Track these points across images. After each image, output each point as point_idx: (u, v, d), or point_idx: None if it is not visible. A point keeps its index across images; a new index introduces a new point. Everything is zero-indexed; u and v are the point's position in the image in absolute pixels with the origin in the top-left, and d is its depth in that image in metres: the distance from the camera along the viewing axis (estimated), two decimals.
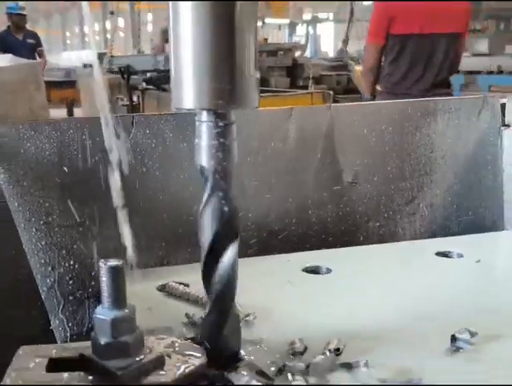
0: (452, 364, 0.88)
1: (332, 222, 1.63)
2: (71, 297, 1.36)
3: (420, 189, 1.72)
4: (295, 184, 1.58)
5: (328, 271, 1.25)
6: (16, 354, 0.82)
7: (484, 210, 1.76)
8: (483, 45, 20.60)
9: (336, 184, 1.63)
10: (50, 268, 1.34)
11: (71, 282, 1.36)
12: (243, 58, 0.79)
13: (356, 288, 1.16)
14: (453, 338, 0.91)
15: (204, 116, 0.82)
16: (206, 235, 0.84)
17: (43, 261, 1.33)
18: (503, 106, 1.75)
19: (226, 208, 0.82)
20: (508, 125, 1.76)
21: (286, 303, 1.09)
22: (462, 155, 1.76)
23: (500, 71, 12.76)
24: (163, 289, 1.16)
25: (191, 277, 1.13)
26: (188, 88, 0.80)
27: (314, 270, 1.26)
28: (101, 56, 9.68)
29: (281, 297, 1.12)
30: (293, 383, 0.79)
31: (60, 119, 1.34)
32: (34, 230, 1.32)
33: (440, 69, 3.90)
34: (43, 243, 1.33)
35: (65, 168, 1.33)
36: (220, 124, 0.81)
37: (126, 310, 0.78)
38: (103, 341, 0.77)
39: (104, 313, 0.78)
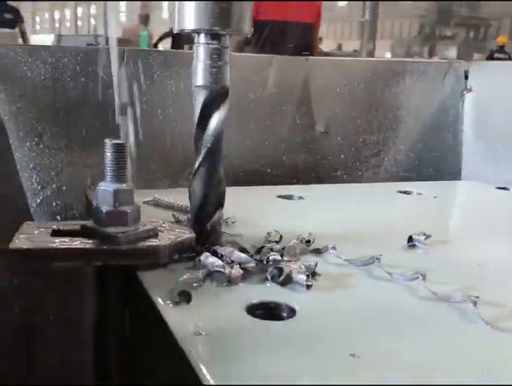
0: (408, 256, 1.00)
1: (303, 168, 1.74)
2: (58, 217, 1.45)
3: (386, 143, 1.85)
4: (271, 129, 1.69)
5: (301, 198, 1.37)
6: (21, 226, 0.92)
7: (443, 166, 1.89)
8: (452, 52, 21.02)
9: (309, 132, 1.75)
10: (39, 187, 1.42)
11: (58, 202, 1.45)
12: None
13: (326, 209, 1.28)
14: (410, 239, 1.04)
15: (202, 38, 0.92)
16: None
17: (33, 180, 1.42)
18: (466, 72, 1.89)
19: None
20: (470, 90, 1.90)
21: (263, 214, 1.20)
22: (426, 115, 1.90)
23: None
24: (149, 202, 1.26)
25: (174, 196, 1.22)
26: (190, 12, 0.90)
27: (288, 197, 1.37)
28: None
29: (259, 211, 1.23)
30: (270, 257, 0.89)
31: (56, 46, 1.42)
32: (26, 149, 1.40)
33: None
34: (33, 163, 1.42)
35: (58, 93, 1.41)
36: (217, 46, 0.92)
37: (126, 185, 0.88)
38: (105, 209, 0.87)
39: (107, 185, 0.88)
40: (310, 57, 1.77)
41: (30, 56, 1.38)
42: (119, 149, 0.87)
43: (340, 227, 1.14)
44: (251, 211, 1.22)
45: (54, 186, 1.44)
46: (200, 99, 0.93)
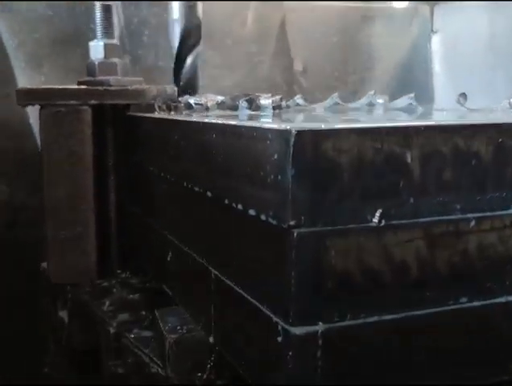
0: None
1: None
2: None
3: (362, 83, 1.99)
4: (253, 67, 1.83)
5: None
6: None
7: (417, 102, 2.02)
8: None
9: (288, 71, 1.89)
10: None
11: None
12: None
13: None
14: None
15: None
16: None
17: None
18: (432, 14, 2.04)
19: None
20: (436, 32, 2.04)
21: None
22: (398, 56, 2.04)
23: None
24: None
25: None
26: None
27: None
28: None
29: None
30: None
31: None
32: (27, 77, 1.54)
33: None
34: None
35: (56, 27, 1.56)
36: None
37: (115, 41, 1.02)
38: (97, 61, 1.00)
39: (98, 41, 1.01)
40: (285, 1, 1.92)
41: None
42: (106, 10, 1.01)
43: None
44: None
45: None
46: (175, 33, 1.09)
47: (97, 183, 1.01)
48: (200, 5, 1.08)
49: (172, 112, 0.90)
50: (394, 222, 0.48)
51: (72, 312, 1.00)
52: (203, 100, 0.97)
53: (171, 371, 0.66)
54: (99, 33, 1.01)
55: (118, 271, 1.05)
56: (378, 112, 0.94)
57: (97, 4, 1.01)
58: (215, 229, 0.62)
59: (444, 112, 0.81)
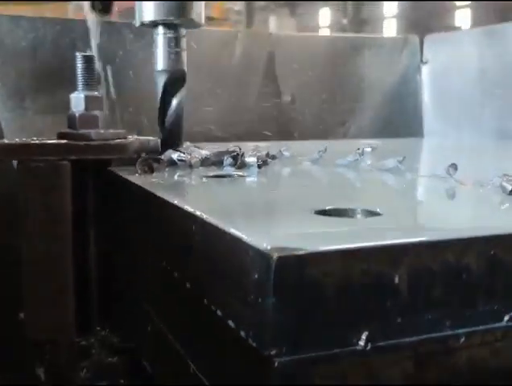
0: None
1: (272, 136, 1.85)
2: None
3: (351, 114, 1.97)
4: (240, 98, 1.81)
5: None
6: None
7: (406, 134, 2.01)
8: None
9: (276, 102, 1.87)
10: None
11: None
12: None
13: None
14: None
15: (161, 29, 1.06)
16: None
17: None
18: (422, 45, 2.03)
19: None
20: (425, 62, 2.03)
21: None
22: (387, 87, 2.02)
23: None
24: None
25: None
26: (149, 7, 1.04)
27: None
28: None
29: None
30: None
31: (37, 17, 1.55)
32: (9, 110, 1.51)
33: None
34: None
35: (38, 61, 1.53)
36: (174, 35, 1.05)
37: (96, 92, 0.99)
38: (77, 113, 0.98)
39: (79, 93, 0.98)
40: (273, 32, 1.90)
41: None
42: (88, 61, 0.98)
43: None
44: None
45: None
46: (160, 83, 1.06)
47: (76, 236, 0.98)
48: (184, 54, 1.06)
49: (154, 175, 0.87)
50: (380, 343, 0.45)
51: (48, 373, 0.97)
52: (186, 157, 0.95)
53: None
54: (80, 84, 0.98)
55: (98, 328, 1.02)
56: (365, 172, 0.92)
57: (79, 55, 0.98)
58: (193, 322, 0.60)
59: (433, 185, 0.79)
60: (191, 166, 0.94)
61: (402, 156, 0.88)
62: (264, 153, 0.98)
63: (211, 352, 0.55)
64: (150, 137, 1.03)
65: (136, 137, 1.05)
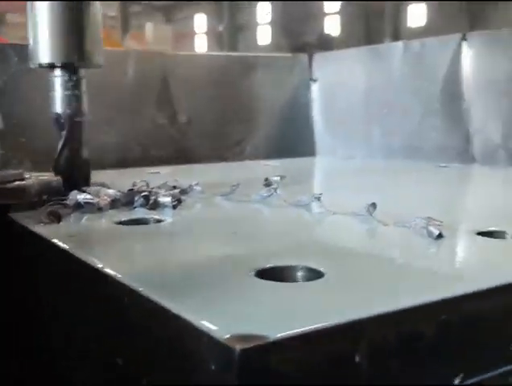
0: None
1: (170, 158, 1.81)
2: None
3: (246, 133, 1.97)
4: (135, 121, 1.75)
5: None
6: None
7: (299, 150, 2.04)
8: None
9: (172, 123, 1.83)
10: None
11: None
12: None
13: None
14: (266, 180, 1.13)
15: (59, 71, 0.99)
16: None
17: None
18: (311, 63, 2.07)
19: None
20: (315, 80, 2.07)
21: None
22: (280, 105, 2.04)
23: None
24: None
25: None
26: (45, 48, 0.97)
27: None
28: None
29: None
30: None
31: None
32: None
33: None
34: None
35: None
36: (73, 78, 0.99)
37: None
38: None
39: None
40: (166, 52, 1.86)
41: None
42: None
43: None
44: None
45: None
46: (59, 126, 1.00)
47: None
48: (84, 97, 1.00)
49: (61, 224, 0.80)
50: None
51: None
52: (94, 199, 0.89)
53: None
54: None
55: None
56: (283, 209, 0.91)
57: None
58: None
59: (357, 226, 0.79)
60: (100, 208, 0.88)
61: (319, 193, 0.87)
62: (177, 190, 0.94)
63: None
64: (53, 177, 0.96)
65: (35, 175, 0.97)
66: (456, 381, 0.49)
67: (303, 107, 2.07)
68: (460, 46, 1.68)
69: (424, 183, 1.27)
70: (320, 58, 2.07)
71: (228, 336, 0.40)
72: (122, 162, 1.67)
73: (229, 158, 1.91)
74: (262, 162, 1.71)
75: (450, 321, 0.48)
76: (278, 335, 0.40)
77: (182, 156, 1.79)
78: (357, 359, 0.44)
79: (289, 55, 2.11)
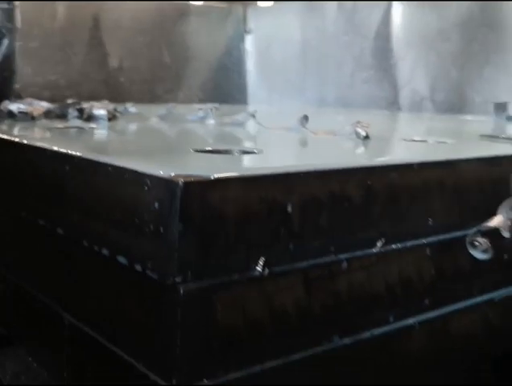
0: None
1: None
2: None
3: (178, 80, 1.97)
4: (65, 63, 1.72)
5: None
6: None
7: (232, 100, 2.05)
8: None
9: (104, 67, 1.80)
10: None
11: None
12: None
13: None
14: None
15: None
16: None
17: None
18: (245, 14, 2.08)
19: None
20: (249, 32, 2.09)
21: None
22: (213, 54, 2.05)
23: None
24: None
25: None
26: None
27: None
28: None
29: None
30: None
31: None
32: None
33: None
34: None
35: None
36: None
37: None
38: None
39: None
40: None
41: None
42: None
43: None
44: None
45: None
46: None
47: None
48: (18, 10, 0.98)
49: None
50: (275, 269, 0.47)
51: None
52: (28, 109, 0.88)
53: None
54: None
55: None
56: (219, 126, 0.93)
57: None
58: (69, 270, 0.57)
59: (289, 135, 0.82)
60: (33, 118, 0.87)
61: (254, 110, 0.90)
62: (111, 107, 0.95)
63: (96, 299, 0.53)
64: None
65: None
66: (378, 244, 0.54)
67: (237, 57, 2.09)
68: (390, 3, 1.73)
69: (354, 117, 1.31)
70: (254, 10, 2.08)
71: (172, 174, 0.42)
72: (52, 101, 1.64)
73: (162, 103, 1.91)
74: (196, 106, 1.72)
75: (373, 187, 0.52)
76: (217, 175, 0.43)
77: (114, 98, 1.77)
78: (289, 209, 0.47)
79: (224, 5, 2.11)
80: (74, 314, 0.55)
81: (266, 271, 0.46)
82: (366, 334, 0.54)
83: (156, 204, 0.43)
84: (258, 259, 0.46)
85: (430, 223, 0.57)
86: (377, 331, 0.55)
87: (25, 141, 0.61)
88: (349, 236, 0.51)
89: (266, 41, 2.06)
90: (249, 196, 0.44)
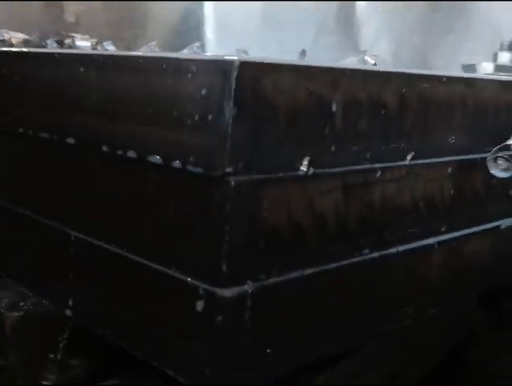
0: None
1: None
2: None
3: (135, 40, 1.90)
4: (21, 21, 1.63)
5: None
6: None
7: None
8: None
9: (59, 23, 1.72)
10: None
11: None
12: None
13: None
14: None
15: None
16: None
17: None
18: None
19: None
20: None
21: None
22: (170, 20, 2.00)
23: None
24: None
25: None
26: None
27: None
28: None
29: None
30: None
31: None
32: None
33: None
34: None
35: None
36: None
37: None
38: None
39: None
40: None
41: None
42: None
43: None
44: None
45: None
46: None
47: None
48: None
49: None
50: (317, 171, 0.45)
51: None
52: (5, 36, 0.82)
53: (15, 357, 0.55)
54: None
55: None
56: None
57: None
58: (83, 184, 0.52)
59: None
60: (12, 45, 0.82)
61: (246, 47, 0.87)
62: (94, 40, 0.90)
63: (119, 209, 0.49)
64: None
65: None
66: (408, 157, 0.52)
67: (196, 24, 2.04)
68: None
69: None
70: None
71: (225, 56, 0.39)
72: None
73: None
74: None
75: (407, 95, 0.51)
76: (271, 60, 0.41)
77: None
78: (334, 107, 0.45)
79: None
80: (89, 232, 0.51)
81: (311, 170, 0.44)
82: (393, 250, 0.53)
83: (203, 91, 0.40)
84: (304, 158, 0.44)
85: (452, 141, 0.57)
86: (402, 248, 0.54)
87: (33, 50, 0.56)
88: (384, 145, 0.50)
89: (226, 6, 2.01)
90: (299, 87, 0.42)
